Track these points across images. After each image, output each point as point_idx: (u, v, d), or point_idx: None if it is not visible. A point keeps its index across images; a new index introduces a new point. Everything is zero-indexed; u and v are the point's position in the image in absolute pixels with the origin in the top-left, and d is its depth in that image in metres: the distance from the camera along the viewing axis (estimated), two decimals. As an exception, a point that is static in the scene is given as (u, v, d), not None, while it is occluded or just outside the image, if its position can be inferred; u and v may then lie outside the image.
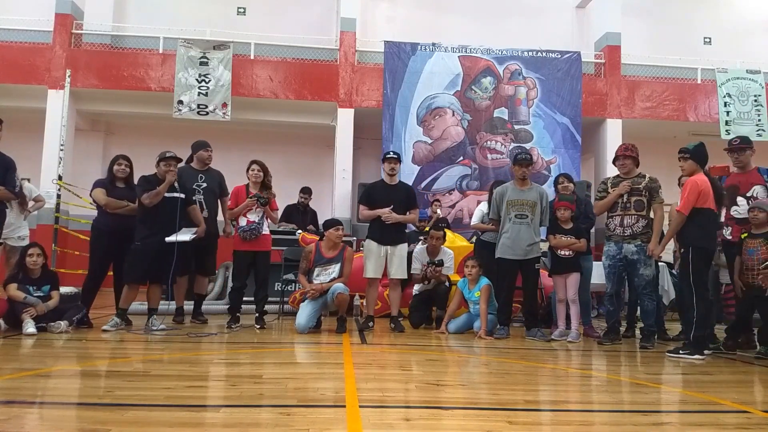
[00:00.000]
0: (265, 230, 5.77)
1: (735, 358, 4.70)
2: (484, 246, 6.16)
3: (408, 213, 5.90)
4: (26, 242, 6.34)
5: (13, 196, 5.10)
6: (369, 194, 5.99)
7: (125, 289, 5.34)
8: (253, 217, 5.64)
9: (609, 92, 11.55)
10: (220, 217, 6.20)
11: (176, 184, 5.39)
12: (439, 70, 11.06)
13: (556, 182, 6.22)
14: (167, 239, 5.16)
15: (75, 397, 2.85)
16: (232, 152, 8.57)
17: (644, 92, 11.61)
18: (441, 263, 6.11)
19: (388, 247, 5.77)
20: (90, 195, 5.69)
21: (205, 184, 6.00)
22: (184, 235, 5.30)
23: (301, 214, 8.62)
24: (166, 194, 5.28)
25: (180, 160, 5.49)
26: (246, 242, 5.62)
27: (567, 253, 5.54)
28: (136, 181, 5.47)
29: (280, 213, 7.33)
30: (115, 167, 5.56)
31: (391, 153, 6.04)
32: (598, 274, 6.12)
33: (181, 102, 10.19)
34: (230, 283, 6.38)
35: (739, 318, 5.02)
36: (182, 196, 5.44)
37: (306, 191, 8.78)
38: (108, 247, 5.42)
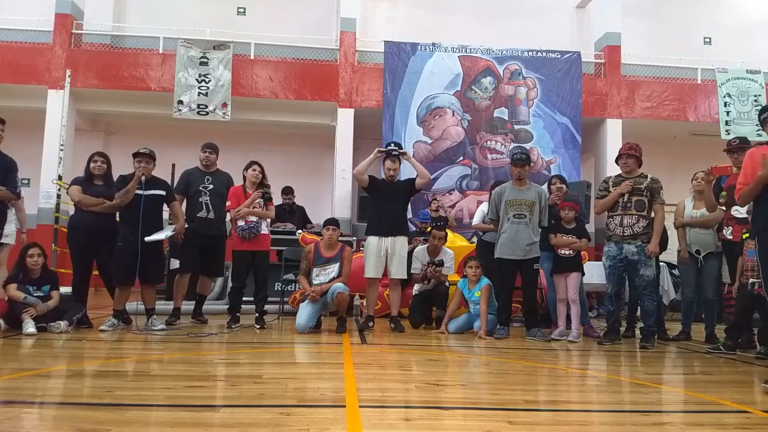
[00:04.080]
0: (264, 230, 5.77)
1: (735, 358, 4.69)
2: (486, 246, 6.18)
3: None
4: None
5: (14, 196, 5.10)
6: (375, 180, 6.03)
7: (117, 291, 5.34)
8: (251, 216, 5.65)
9: (609, 92, 11.55)
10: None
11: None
12: (439, 70, 11.06)
13: (549, 183, 6.25)
14: (146, 239, 5.14)
15: (75, 397, 2.84)
16: (232, 152, 8.57)
17: (644, 92, 11.62)
18: (441, 263, 6.11)
19: (389, 241, 5.76)
20: (67, 193, 5.66)
21: (211, 186, 5.99)
22: (160, 234, 5.30)
23: (288, 213, 8.61)
24: (145, 192, 5.26)
25: (154, 157, 5.42)
26: (245, 242, 5.62)
27: (567, 252, 5.54)
28: (115, 178, 5.45)
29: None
30: (92, 164, 5.50)
31: (392, 144, 6.12)
32: (598, 275, 6.12)
33: (181, 102, 10.19)
34: (230, 283, 6.39)
35: (739, 318, 5.02)
36: (162, 193, 5.44)
37: (287, 191, 8.76)
38: (86, 246, 5.35)
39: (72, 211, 9.21)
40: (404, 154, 6.14)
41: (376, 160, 6.09)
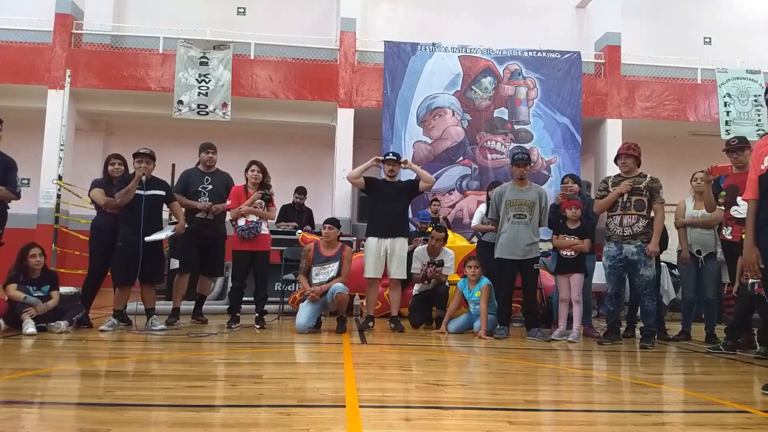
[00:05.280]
0: (264, 230, 5.77)
1: (735, 358, 4.69)
2: (486, 246, 6.18)
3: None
4: None
5: (14, 196, 5.10)
6: (373, 181, 6.03)
7: (117, 291, 5.36)
8: (251, 216, 5.65)
9: (609, 92, 11.55)
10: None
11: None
12: (439, 70, 11.05)
13: (562, 182, 6.24)
14: (146, 239, 5.15)
15: (75, 397, 2.85)
16: (232, 152, 8.56)
17: (644, 92, 11.61)
18: (441, 263, 6.11)
19: (388, 242, 5.76)
20: (88, 195, 5.70)
21: (210, 186, 5.99)
22: (160, 234, 5.31)
23: (296, 213, 8.61)
24: (146, 192, 5.26)
25: (153, 157, 5.43)
26: (245, 242, 5.62)
27: (569, 253, 5.53)
28: None
29: (276, 213, 7.36)
30: (110, 168, 5.57)
31: (390, 155, 6.08)
32: (598, 275, 6.12)
33: (181, 102, 10.19)
34: (230, 283, 6.40)
35: (739, 318, 5.02)
36: (162, 193, 5.45)
37: (301, 191, 8.75)
38: (108, 247, 5.40)
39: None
40: (405, 162, 6.12)
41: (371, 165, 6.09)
